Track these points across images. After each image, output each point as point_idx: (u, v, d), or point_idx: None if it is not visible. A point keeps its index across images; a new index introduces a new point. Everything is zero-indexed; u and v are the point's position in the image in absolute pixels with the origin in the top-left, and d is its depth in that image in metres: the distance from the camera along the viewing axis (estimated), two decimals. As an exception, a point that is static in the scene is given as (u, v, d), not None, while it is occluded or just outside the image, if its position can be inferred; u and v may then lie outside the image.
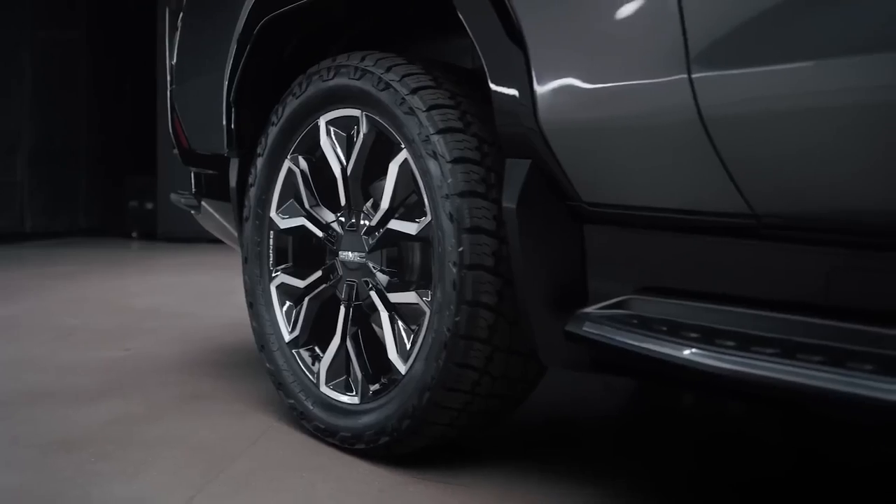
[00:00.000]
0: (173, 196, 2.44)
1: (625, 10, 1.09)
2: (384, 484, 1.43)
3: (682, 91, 1.02)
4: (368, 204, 1.59)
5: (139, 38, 7.03)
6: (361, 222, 1.60)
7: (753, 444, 1.74)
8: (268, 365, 1.78)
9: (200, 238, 5.23)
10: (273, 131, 1.76)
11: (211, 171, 2.14)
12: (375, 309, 1.55)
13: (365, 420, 1.53)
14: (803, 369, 0.92)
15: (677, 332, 1.04)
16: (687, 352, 1.00)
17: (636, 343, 1.04)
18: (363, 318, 1.61)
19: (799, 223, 1.00)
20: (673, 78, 1.03)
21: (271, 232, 1.81)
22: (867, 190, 0.93)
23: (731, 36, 0.98)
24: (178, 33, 2.21)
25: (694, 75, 1.01)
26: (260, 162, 1.80)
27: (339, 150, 1.63)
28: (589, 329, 1.13)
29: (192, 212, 2.34)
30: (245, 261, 1.86)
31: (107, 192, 7.40)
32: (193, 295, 3.86)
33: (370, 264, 1.57)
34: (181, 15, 2.20)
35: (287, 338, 1.76)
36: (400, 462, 1.51)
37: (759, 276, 1.05)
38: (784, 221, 1.01)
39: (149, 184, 6.60)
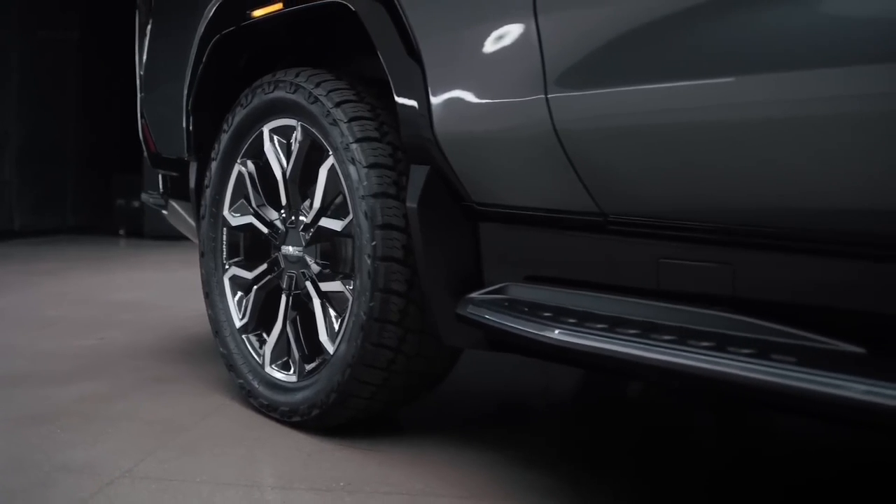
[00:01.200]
0: (144, 196, 2.64)
1: (497, 40, 1.30)
2: (313, 449, 1.64)
3: (541, 109, 1.23)
4: (306, 203, 1.80)
5: (128, 38, 7.22)
6: (300, 220, 1.80)
7: (684, 433, 1.95)
8: (221, 349, 1.99)
9: (186, 236, 5.42)
10: (225, 138, 1.96)
11: (175, 174, 2.35)
12: (311, 297, 1.76)
13: (300, 395, 1.73)
14: (653, 346, 1.11)
15: (538, 312, 1.24)
16: (545, 330, 1.20)
17: (504, 322, 1.25)
18: (301, 305, 1.81)
19: (637, 220, 1.21)
20: (533, 98, 1.24)
21: (224, 229, 2.01)
22: (687, 193, 1.14)
23: (579, 64, 1.19)
24: (145, 46, 2.42)
25: (549, 96, 1.22)
26: (214, 165, 2.00)
27: (280, 156, 1.84)
28: (471, 311, 1.34)
29: (161, 210, 2.55)
30: (202, 255, 2.07)
31: (95, 190, 7.59)
32: (173, 289, 4.06)
33: (306, 257, 1.78)
34: (148, 29, 2.40)
35: (238, 324, 1.97)
36: (331, 432, 1.71)
37: (608, 265, 1.26)
38: (625, 219, 1.22)
39: (136, 182, 6.79)
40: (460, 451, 1.63)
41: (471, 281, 1.47)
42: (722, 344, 1.03)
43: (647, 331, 1.12)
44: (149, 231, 6.84)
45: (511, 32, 1.27)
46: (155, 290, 4.06)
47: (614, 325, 1.15)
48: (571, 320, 1.18)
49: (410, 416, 1.87)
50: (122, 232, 7.04)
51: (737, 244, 1.09)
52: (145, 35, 2.42)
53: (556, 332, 1.16)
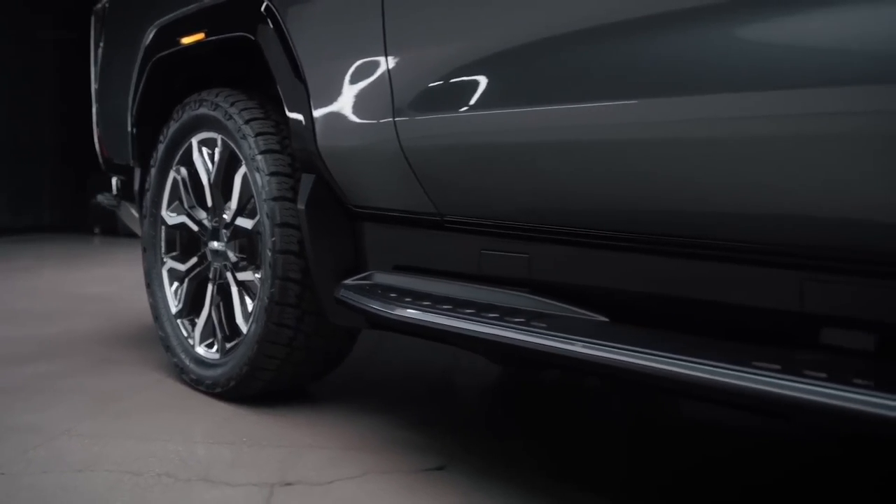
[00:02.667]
0: (99, 197, 2.95)
1: (358, 72, 1.61)
2: (229, 415, 1.96)
3: (391, 130, 1.55)
4: (227, 205, 2.11)
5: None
6: (222, 219, 2.12)
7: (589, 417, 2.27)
8: (160, 332, 2.30)
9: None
10: (161, 147, 2.28)
11: (124, 178, 2.66)
12: (230, 285, 2.08)
13: (221, 370, 2.05)
14: (487, 323, 1.41)
15: (389, 295, 1.56)
16: (391, 309, 1.52)
17: (362, 303, 1.57)
18: (224, 293, 2.13)
19: (464, 220, 1.53)
20: (385, 120, 1.56)
21: (163, 227, 2.33)
22: (496, 199, 1.46)
23: (417, 95, 1.51)
24: (98, 62, 2.72)
25: (396, 119, 1.54)
26: (153, 171, 2.32)
27: (206, 164, 2.15)
28: (343, 294, 1.66)
29: (115, 210, 2.86)
30: (144, 250, 2.39)
31: (70, 189, 7.88)
32: (138, 284, 4.35)
33: (228, 251, 2.09)
34: (100, 47, 2.71)
35: (173, 310, 2.28)
36: (250, 401, 2.03)
37: (447, 256, 1.58)
38: (456, 218, 1.54)
39: (111, 182, 7.09)
40: (355, 416, 1.95)
41: (351, 270, 1.78)
42: (528, 318, 1.34)
43: (481, 310, 1.43)
44: (123, 229, 7.13)
45: (369, 67, 1.59)
46: (121, 284, 4.36)
47: (455, 305, 1.47)
48: (416, 301, 1.50)
49: (322, 390, 2.19)
50: (97, 230, 7.34)
51: (531, 239, 1.42)
52: (98, 52, 2.73)
53: (398, 309, 1.48)
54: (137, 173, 2.48)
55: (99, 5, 2.76)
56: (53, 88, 7.91)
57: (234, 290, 2.06)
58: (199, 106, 2.11)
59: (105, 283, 4.36)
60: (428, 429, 1.87)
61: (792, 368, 0.96)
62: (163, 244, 2.34)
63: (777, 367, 0.97)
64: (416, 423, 1.91)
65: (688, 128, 1.11)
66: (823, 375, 0.93)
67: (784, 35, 0.99)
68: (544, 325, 1.25)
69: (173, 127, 2.22)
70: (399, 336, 2.03)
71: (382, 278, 1.66)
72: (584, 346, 1.17)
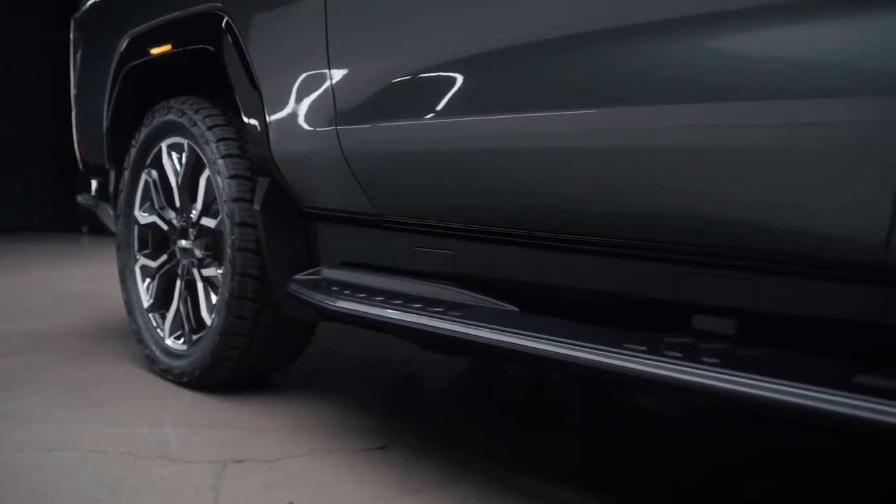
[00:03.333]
0: (79, 197, 3.10)
1: (306, 83, 1.77)
2: (194, 402, 2.11)
3: (334, 137, 1.70)
4: (194, 205, 2.26)
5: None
6: (190, 219, 2.27)
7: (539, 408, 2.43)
8: (133, 326, 2.46)
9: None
10: (134, 151, 2.43)
11: (101, 179, 2.82)
12: (196, 280, 2.23)
13: (188, 360, 2.20)
14: (410, 313, 1.54)
15: (331, 288, 1.72)
16: (332, 301, 1.67)
17: (307, 296, 1.72)
18: (191, 288, 2.28)
19: (398, 219, 1.68)
20: (329, 128, 1.71)
21: (135, 226, 2.48)
22: (425, 201, 1.61)
23: (355, 106, 1.66)
24: (76, 69, 2.87)
25: (338, 127, 1.69)
26: (126, 173, 2.47)
27: (175, 167, 2.30)
28: (292, 288, 1.82)
29: (94, 210, 3.01)
30: (118, 248, 2.54)
31: (60, 189, 8.02)
32: (121, 281, 4.51)
33: (194, 249, 2.24)
34: (78, 54, 2.86)
35: (145, 305, 2.44)
36: (215, 390, 2.18)
37: (385, 252, 1.73)
38: (392, 218, 1.70)
39: (99, 182, 7.23)
40: (310, 402, 2.11)
41: (304, 266, 1.94)
42: (446, 308, 1.50)
43: (408, 301, 1.58)
44: (110, 229, 7.26)
45: (315, 80, 1.74)
46: (106, 282, 4.50)
47: (387, 297, 1.62)
48: (354, 293, 1.65)
49: (284, 379, 2.34)
50: (85, 229, 7.47)
51: (456, 237, 1.57)
52: (76, 59, 2.88)
53: (338, 301, 1.64)
54: (112, 175, 2.63)
55: (78, 13, 2.91)
56: (43, 88, 8.04)
57: (200, 285, 2.21)
58: (168, 113, 2.26)
59: (89, 281, 4.50)
60: (376, 414, 2.03)
61: (656, 349, 1.12)
62: (136, 242, 2.49)
63: (644, 348, 1.13)
64: (365, 409, 2.07)
65: (582, 140, 1.26)
66: (678, 355, 1.09)
67: (663, 58, 1.13)
68: (459, 313, 1.40)
69: (144, 132, 2.37)
70: (365, 330, 2.17)
71: (330, 273, 1.82)
72: (490, 332, 1.32)
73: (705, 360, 1.06)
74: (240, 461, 1.68)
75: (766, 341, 1.14)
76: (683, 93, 1.11)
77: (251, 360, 2.13)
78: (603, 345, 1.16)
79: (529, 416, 2.09)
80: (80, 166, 2.96)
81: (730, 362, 1.05)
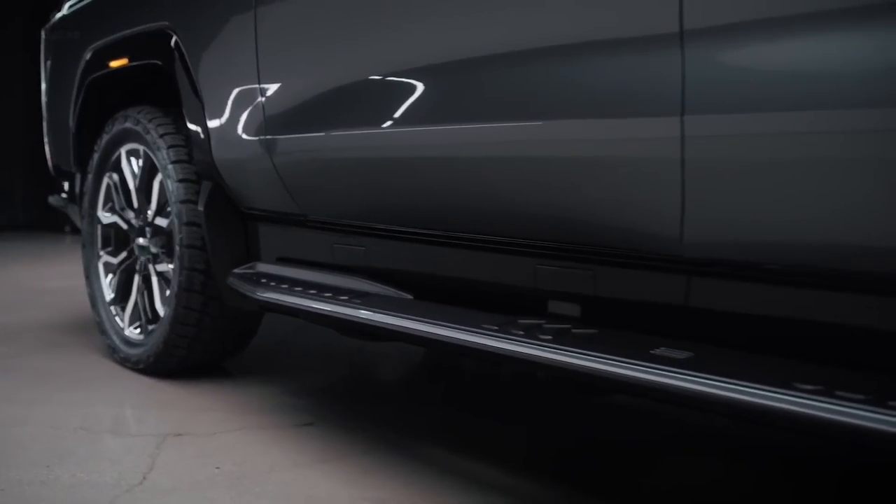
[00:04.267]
0: (51, 198, 3.33)
1: (240, 96, 1.99)
2: (149, 385, 2.34)
3: (264, 146, 1.93)
4: (149, 206, 2.49)
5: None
6: (146, 219, 2.49)
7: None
8: (96, 318, 2.68)
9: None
10: (96, 156, 2.66)
11: (70, 182, 3.04)
12: (152, 275, 2.46)
13: (143, 349, 2.43)
14: (319, 300, 1.76)
15: (260, 280, 1.94)
16: (258, 292, 1.90)
17: (240, 287, 1.95)
18: (148, 282, 2.51)
19: (319, 219, 1.91)
20: (260, 137, 1.94)
21: (98, 226, 2.71)
22: (339, 202, 1.84)
23: (280, 118, 1.89)
24: (46, 79, 3.10)
25: (267, 137, 1.92)
26: (90, 177, 2.70)
27: (133, 171, 2.53)
28: (230, 281, 2.05)
29: (65, 210, 3.24)
30: (83, 246, 2.77)
31: (43, 189, 8.23)
32: (97, 279, 4.73)
33: (150, 246, 2.47)
34: (48, 63, 3.08)
35: (108, 298, 2.67)
36: (169, 376, 2.40)
37: (310, 248, 1.96)
38: (314, 217, 1.93)
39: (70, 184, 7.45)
40: (252, 385, 2.34)
41: (244, 261, 2.17)
42: (351, 296, 1.72)
43: (322, 290, 1.81)
44: (94, 227, 7.49)
45: (248, 94, 1.97)
46: (81, 279, 4.72)
47: (304, 287, 1.85)
48: (278, 284, 1.88)
49: (234, 366, 2.57)
50: (67, 229, 7.69)
51: (366, 234, 1.80)
52: (46, 69, 3.10)
53: (263, 292, 1.87)
54: (78, 178, 2.86)
55: (48, 25, 3.13)
56: (28, 90, 8.25)
57: (155, 279, 2.44)
58: (125, 121, 2.49)
59: (66, 278, 4.72)
60: (312, 396, 2.26)
61: (505, 329, 1.35)
62: (99, 241, 2.72)
63: (495, 328, 1.36)
64: (303, 392, 2.30)
65: (460, 152, 1.49)
66: (521, 333, 1.32)
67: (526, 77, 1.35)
68: (360, 301, 1.63)
69: (105, 138, 2.60)
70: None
71: (263, 267, 2.05)
72: (384, 317, 1.55)
73: (542, 337, 1.29)
74: (179, 434, 1.91)
75: (605, 322, 1.37)
76: (533, 112, 1.34)
77: (200, 347, 2.35)
78: (465, 325, 1.39)
79: (470, 405, 2.32)
80: (51, 170, 3.18)
81: (561, 339, 1.28)
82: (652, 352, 1.19)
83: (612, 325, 1.36)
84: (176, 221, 2.25)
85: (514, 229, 1.48)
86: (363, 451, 1.81)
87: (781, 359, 1.14)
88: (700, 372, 1.10)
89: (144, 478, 1.64)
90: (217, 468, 1.70)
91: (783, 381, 1.02)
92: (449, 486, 1.61)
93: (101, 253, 2.71)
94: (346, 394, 2.33)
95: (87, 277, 2.76)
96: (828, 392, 0.98)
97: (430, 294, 1.66)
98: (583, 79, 1.25)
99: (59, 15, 3.01)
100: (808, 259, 1.10)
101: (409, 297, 1.67)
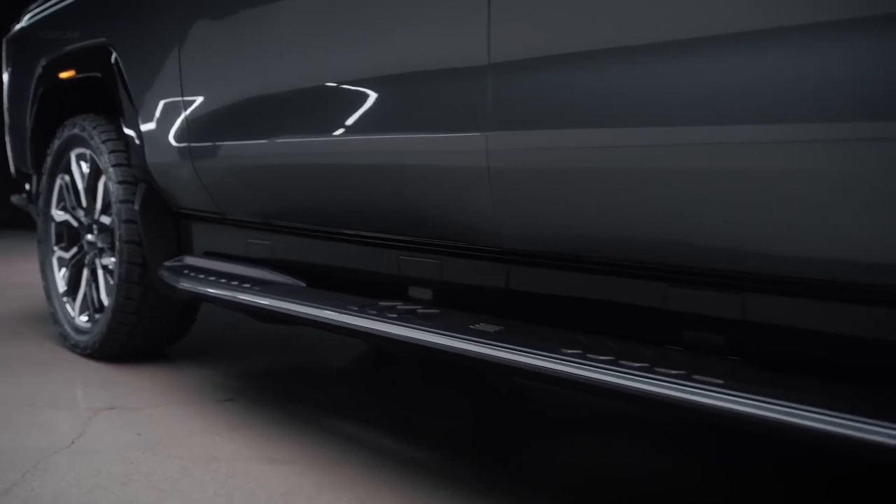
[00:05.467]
0: (13, 198, 3.61)
1: (168, 109, 2.28)
2: (93, 368, 2.63)
3: (187, 152, 2.22)
4: (96, 206, 2.77)
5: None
6: (93, 217, 2.78)
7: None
8: (50, 309, 2.97)
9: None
10: (50, 159, 2.94)
11: (29, 183, 3.33)
12: (98, 268, 2.75)
13: (90, 335, 2.72)
14: (226, 288, 2.05)
15: (185, 272, 2.23)
16: (179, 282, 2.19)
17: (166, 279, 2.24)
18: (95, 274, 2.79)
19: (236, 218, 2.20)
20: (184, 145, 2.23)
21: (52, 223, 3.00)
22: (253, 202, 2.13)
23: (199, 128, 2.17)
24: (6, 87, 3.38)
25: (190, 144, 2.21)
26: (45, 178, 2.98)
27: (82, 173, 2.82)
28: (160, 273, 2.33)
29: (26, 209, 3.52)
30: (39, 242, 3.05)
31: (17, 188, 8.49)
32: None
33: (97, 242, 2.76)
34: (8, 71, 3.37)
35: (61, 290, 2.96)
36: (114, 360, 2.68)
37: (229, 243, 2.25)
38: (231, 216, 2.21)
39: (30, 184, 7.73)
40: (185, 368, 2.63)
41: (175, 255, 2.45)
42: (253, 284, 2.01)
43: (231, 280, 2.10)
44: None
45: (173, 106, 2.26)
46: (52, 275, 5.01)
47: (218, 277, 2.14)
48: (197, 275, 2.17)
49: (176, 352, 2.85)
50: (44, 225, 7.95)
51: (272, 231, 2.09)
52: (7, 77, 3.39)
53: (183, 282, 2.16)
54: (34, 179, 3.14)
55: (9, 35, 3.41)
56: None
57: (101, 272, 2.73)
58: (74, 128, 2.78)
59: (31, 274, 4.99)
60: (235, 377, 2.55)
61: (363, 310, 1.64)
62: (53, 237, 3.00)
63: (355, 308, 1.64)
64: (229, 373, 2.59)
65: (332, 160, 1.77)
66: (374, 313, 1.61)
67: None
68: (258, 288, 1.92)
69: (56, 143, 2.88)
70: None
71: (190, 260, 2.34)
72: (277, 302, 1.84)
73: (389, 315, 1.58)
74: (111, 409, 2.19)
75: (450, 304, 1.66)
76: (383, 126, 1.63)
77: (141, 334, 2.64)
78: (334, 306, 1.68)
79: (400, 392, 2.61)
80: (13, 172, 3.46)
81: (405, 318, 1.57)
82: (471, 326, 1.48)
83: (454, 306, 1.65)
84: (116, 220, 2.54)
85: (381, 226, 1.77)
86: (272, 423, 2.10)
87: (579, 332, 1.42)
88: (503, 342, 1.39)
89: (73, 442, 1.93)
90: (138, 434, 1.99)
91: (566, 350, 1.29)
92: (347, 454, 1.89)
93: (55, 248, 2.99)
94: (271, 375, 2.62)
95: (43, 272, 3.04)
96: (582, 356, 1.27)
97: (320, 282, 1.95)
98: (417, 100, 1.54)
99: (18, 26, 3.29)
100: (597, 250, 1.38)
101: (303, 284, 1.95)
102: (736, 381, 1.11)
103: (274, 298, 1.82)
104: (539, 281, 1.51)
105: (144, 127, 2.38)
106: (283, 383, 2.54)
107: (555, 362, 1.26)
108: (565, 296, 1.48)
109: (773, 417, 1.01)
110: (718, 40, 1.08)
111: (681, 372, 1.15)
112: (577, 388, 1.22)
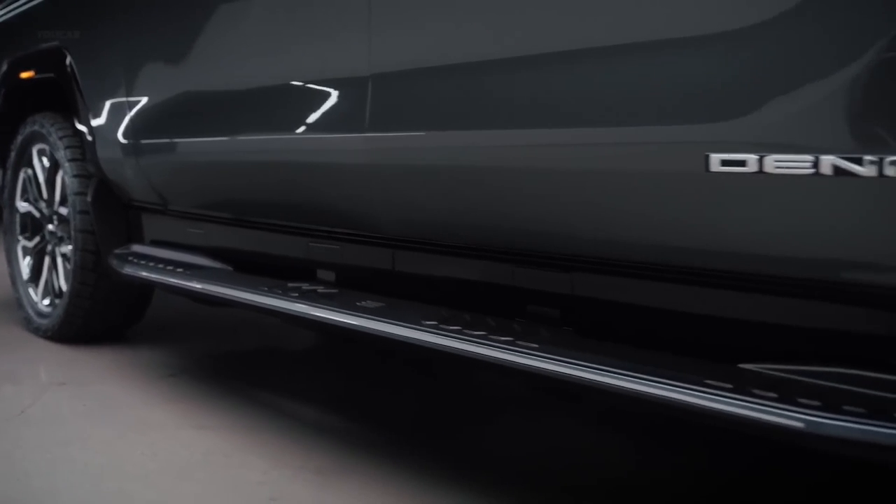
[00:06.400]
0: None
1: (115, 108, 2.52)
2: (53, 349, 2.88)
3: (132, 148, 2.46)
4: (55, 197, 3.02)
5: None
6: (53, 208, 3.02)
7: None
8: (15, 294, 3.22)
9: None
10: (13, 154, 3.18)
11: (-3, 176, 3.57)
12: (57, 256, 2.99)
13: (51, 319, 2.96)
14: (160, 272, 2.30)
15: (132, 259, 2.48)
16: (125, 268, 2.43)
17: (114, 265, 2.49)
18: (55, 262, 3.04)
19: (177, 209, 2.44)
20: (130, 141, 2.47)
21: (17, 214, 3.24)
22: (191, 195, 2.37)
23: (142, 125, 2.41)
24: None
25: (134, 141, 2.45)
26: (9, 172, 3.22)
27: (43, 167, 3.06)
28: (109, 260, 2.58)
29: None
30: (4, 233, 3.30)
31: None
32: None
33: (57, 232, 3.00)
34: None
35: (24, 277, 3.20)
36: (75, 342, 2.93)
37: (173, 232, 2.50)
38: (173, 207, 2.46)
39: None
40: (137, 348, 2.87)
41: (125, 244, 2.70)
42: (185, 269, 2.26)
43: (168, 265, 2.35)
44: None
45: (120, 106, 2.50)
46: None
47: (157, 262, 2.38)
48: (141, 261, 2.41)
49: (134, 334, 3.09)
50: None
51: (207, 221, 2.33)
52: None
53: (126, 268, 2.40)
54: (1, 173, 3.38)
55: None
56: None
57: (60, 260, 2.97)
58: (34, 125, 3.02)
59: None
60: (184, 356, 2.79)
61: (272, 290, 1.88)
62: (17, 227, 3.25)
63: (265, 288, 1.89)
64: (178, 353, 2.83)
65: (246, 157, 2.02)
66: (279, 292, 1.85)
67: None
68: (189, 272, 2.17)
69: (19, 139, 3.13)
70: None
71: (137, 248, 2.58)
72: (202, 284, 2.09)
73: (291, 294, 1.83)
74: (63, 384, 2.44)
75: (350, 285, 1.91)
76: (284, 127, 1.87)
77: (97, 317, 2.89)
78: (249, 288, 1.93)
79: (346, 375, 2.86)
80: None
81: (306, 296, 1.82)
82: (357, 303, 1.72)
83: (353, 286, 1.89)
84: (72, 210, 2.78)
85: (294, 217, 2.01)
86: (206, 395, 2.35)
87: (445, 307, 1.67)
88: (383, 317, 1.63)
89: (22, 412, 2.18)
90: (83, 405, 2.24)
91: (425, 321, 1.53)
92: (270, 421, 2.13)
93: (20, 238, 3.24)
94: (215, 355, 2.87)
95: (8, 260, 3.29)
96: (437, 326, 1.51)
97: (246, 267, 2.20)
98: (312, 105, 1.79)
99: (-15, 27, 3.53)
100: (461, 237, 1.62)
101: (231, 269, 2.20)
102: (550, 346, 1.35)
103: (200, 281, 2.06)
104: (417, 263, 1.76)
105: (95, 124, 2.62)
106: (225, 362, 2.79)
107: (413, 330, 1.51)
108: (439, 276, 1.72)
109: (563, 372, 1.26)
110: (518, 61, 1.34)
111: (509, 339, 1.39)
112: (433, 355, 1.47)
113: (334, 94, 1.74)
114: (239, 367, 2.71)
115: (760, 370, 1.21)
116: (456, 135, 1.50)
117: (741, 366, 1.22)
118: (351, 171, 1.72)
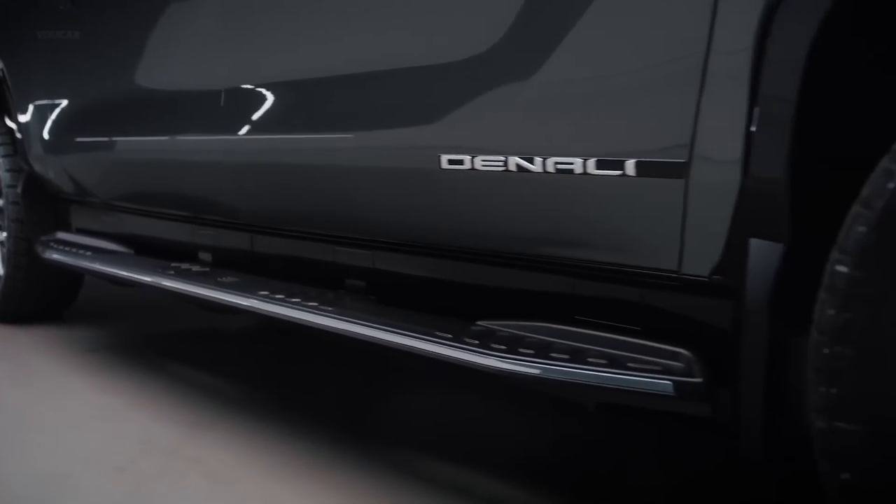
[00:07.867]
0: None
1: (40, 111, 2.90)
2: (7, 330, 3.28)
3: (54, 147, 2.84)
4: None
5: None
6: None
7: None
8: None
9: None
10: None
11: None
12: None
13: (-8, 301, 3.36)
14: (75, 257, 2.70)
15: (55, 246, 2.87)
16: (49, 254, 2.82)
17: (40, 252, 2.87)
18: (-4, 250, 3.43)
19: (96, 200, 2.83)
20: (48, 139, 2.85)
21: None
22: (106, 189, 2.76)
23: (62, 127, 2.79)
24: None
25: (54, 139, 2.83)
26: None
27: (-16, 162, 3.45)
28: (35, 246, 2.97)
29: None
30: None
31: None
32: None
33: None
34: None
35: (-29, 264, 3.60)
36: (13, 322, 3.32)
37: (93, 222, 2.88)
38: (92, 200, 2.84)
39: None
40: (69, 329, 3.26)
41: (52, 232, 3.09)
42: (96, 254, 2.65)
43: (85, 250, 2.73)
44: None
45: (43, 108, 2.88)
46: None
47: (76, 248, 2.77)
48: (62, 247, 2.80)
49: (70, 316, 3.48)
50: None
51: (123, 212, 2.72)
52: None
53: (47, 253, 2.79)
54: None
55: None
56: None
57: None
58: (-23, 129, 3.41)
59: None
60: (110, 335, 3.19)
61: (158, 270, 2.27)
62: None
63: (171, 272, 2.27)
64: (106, 332, 3.23)
65: (148, 156, 2.40)
66: (160, 271, 2.24)
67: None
68: (100, 257, 2.56)
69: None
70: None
71: (61, 235, 2.97)
72: (104, 266, 2.48)
73: (168, 272, 2.21)
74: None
75: (224, 265, 2.29)
76: (171, 130, 2.25)
77: (31, 299, 3.28)
78: (140, 268, 2.31)
79: (265, 354, 3.25)
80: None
81: (181, 275, 2.20)
82: (219, 279, 2.11)
83: (226, 266, 2.28)
84: (5, 201, 3.18)
85: (182, 207, 2.39)
86: (120, 366, 2.73)
87: (287, 281, 2.05)
88: (232, 290, 2.01)
89: (-49, 381, 2.58)
90: (11, 378, 2.63)
91: (261, 292, 1.91)
92: (171, 386, 2.52)
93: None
94: (145, 335, 3.26)
95: (-29, 252, 3.69)
96: (269, 296, 1.89)
97: (145, 250, 2.59)
98: (189, 109, 2.17)
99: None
100: (292, 222, 2.00)
101: (132, 252, 2.59)
102: (345, 309, 1.73)
103: (100, 263, 2.45)
104: (268, 245, 2.14)
105: (24, 123, 3.01)
106: (148, 341, 3.18)
107: (247, 299, 1.89)
108: (284, 255, 2.11)
109: (336, 327, 1.64)
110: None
111: (314, 304, 1.78)
112: (266, 319, 1.85)
113: (199, 103, 2.13)
114: (160, 345, 3.10)
115: (492, 325, 1.59)
116: (275, 139, 1.89)
117: (479, 322, 1.60)
118: (214, 167, 2.10)
